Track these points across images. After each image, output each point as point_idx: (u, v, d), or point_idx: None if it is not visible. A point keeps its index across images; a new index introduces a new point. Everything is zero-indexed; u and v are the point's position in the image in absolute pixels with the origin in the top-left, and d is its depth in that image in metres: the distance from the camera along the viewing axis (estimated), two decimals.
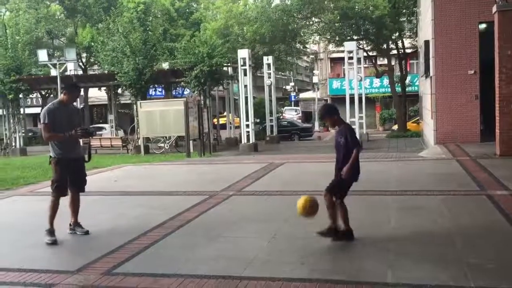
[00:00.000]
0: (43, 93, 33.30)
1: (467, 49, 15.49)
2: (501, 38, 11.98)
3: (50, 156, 6.32)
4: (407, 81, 31.56)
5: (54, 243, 5.99)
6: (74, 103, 6.81)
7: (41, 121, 6.19)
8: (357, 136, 5.81)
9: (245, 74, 21.23)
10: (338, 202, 5.48)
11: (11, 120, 25.81)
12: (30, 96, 32.67)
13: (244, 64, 21.06)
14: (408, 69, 34.23)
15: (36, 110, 38.66)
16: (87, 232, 6.33)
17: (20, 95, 26.26)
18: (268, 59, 25.50)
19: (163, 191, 9.84)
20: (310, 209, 5.39)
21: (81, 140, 6.65)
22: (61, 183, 6.21)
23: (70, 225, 6.42)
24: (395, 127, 31.78)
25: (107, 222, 7.19)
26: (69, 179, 6.26)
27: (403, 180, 9.83)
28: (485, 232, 5.81)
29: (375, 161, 13.14)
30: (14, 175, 13.62)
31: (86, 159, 6.59)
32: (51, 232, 6.09)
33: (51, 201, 6.22)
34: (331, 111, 5.66)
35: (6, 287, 4.69)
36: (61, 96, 6.38)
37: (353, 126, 21.16)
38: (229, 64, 24.85)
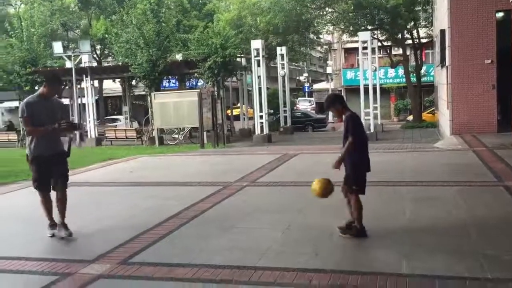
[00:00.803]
0: None
1: (484, 38, 15.23)
2: None
3: (27, 154, 5.95)
4: (422, 71, 31.19)
5: (53, 235, 5.96)
6: (61, 97, 6.60)
7: (20, 115, 5.88)
8: (364, 126, 5.67)
9: (258, 65, 21.16)
10: (353, 196, 5.33)
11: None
12: None
13: (258, 55, 20.98)
14: (423, 59, 33.81)
15: None
16: (70, 234, 5.91)
17: (36, 87, 26.50)
18: (281, 50, 25.37)
19: (178, 181, 9.90)
20: (326, 188, 5.32)
21: (67, 137, 6.24)
22: (40, 182, 5.92)
23: (50, 225, 6.06)
24: (410, 117, 31.48)
25: (122, 212, 7.27)
26: (51, 175, 5.94)
27: (418, 171, 9.76)
28: (501, 223, 5.75)
29: (390, 152, 13.05)
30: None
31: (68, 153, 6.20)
32: (51, 226, 6.04)
33: (40, 200, 6.03)
34: (334, 101, 5.53)
35: (25, 276, 4.77)
36: (41, 89, 5.99)
37: (367, 117, 20.69)
38: (242, 55, 24.78)
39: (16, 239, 6.18)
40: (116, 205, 7.83)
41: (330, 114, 40.48)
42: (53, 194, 6.06)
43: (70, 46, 31.48)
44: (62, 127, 5.83)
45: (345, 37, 33.45)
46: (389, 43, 31.62)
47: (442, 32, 17.00)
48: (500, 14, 15.13)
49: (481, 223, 5.76)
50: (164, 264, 4.82)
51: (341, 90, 43.02)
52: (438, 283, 4.04)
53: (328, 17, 29.20)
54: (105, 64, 34.25)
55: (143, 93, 27.13)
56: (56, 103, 6.15)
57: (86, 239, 5.98)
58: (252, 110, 24.11)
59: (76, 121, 23.65)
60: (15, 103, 27.76)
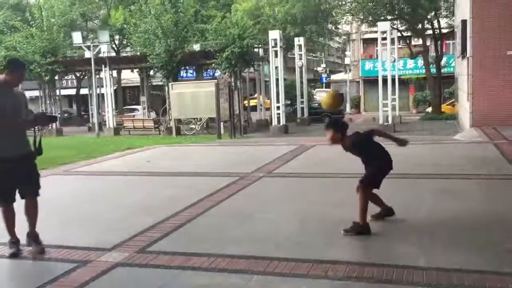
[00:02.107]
0: (78, 74, 33.95)
1: (507, 28, 14.91)
2: None
3: None
4: (442, 62, 30.70)
5: (12, 256, 4.95)
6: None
7: None
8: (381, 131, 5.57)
9: (276, 56, 21.07)
10: (362, 188, 5.20)
11: (48, 101, 26.47)
12: (65, 78, 33.39)
13: (275, 45, 20.89)
14: (443, 50, 33.26)
15: (71, 91, 39.54)
16: (42, 251, 4.98)
17: (56, 77, 26.85)
18: (299, 40, 25.19)
19: (195, 172, 9.95)
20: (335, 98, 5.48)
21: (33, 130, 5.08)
22: (1, 190, 4.85)
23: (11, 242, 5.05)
24: (429, 109, 31.07)
25: (140, 201, 7.34)
26: (16, 182, 4.88)
27: (438, 163, 9.64)
28: None
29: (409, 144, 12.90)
30: (51, 155, 13.94)
31: (37, 152, 5.05)
32: (10, 243, 5.02)
33: None
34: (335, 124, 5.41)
35: (45, 263, 4.86)
36: (2, 76, 4.88)
37: (385, 109, 20.48)
38: (260, 46, 24.71)
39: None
40: (134, 195, 7.90)
41: (348, 105, 40.25)
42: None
43: (89, 36, 31.71)
44: (42, 119, 5.09)
45: (364, 27, 33.02)
46: (409, 34, 31.16)
47: (464, 22, 16.69)
48: None
49: (502, 217, 5.68)
50: (181, 253, 4.86)
51: (359, 81, 42.65)
52: (455, 276, 4.00)
53: (347, 7, 28.88)
54: (124, 54, 34.46)
55: (161, 83, 27.30)
56: (20, 94, 5.17)
57: (104, 227, 6.05)
58: (269, 101, 24.06)
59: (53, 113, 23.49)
60: (35, 93, 28.11)
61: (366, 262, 4.45)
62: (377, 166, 5.29)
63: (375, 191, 5.39)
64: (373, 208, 5.46)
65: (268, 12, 28.33)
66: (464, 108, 18.01)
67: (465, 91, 17.06)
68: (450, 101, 30.82)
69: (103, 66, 24.40)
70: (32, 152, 5.00)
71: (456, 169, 8.78)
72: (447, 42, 35.34)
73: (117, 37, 34.13)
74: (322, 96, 5.56)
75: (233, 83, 20.98)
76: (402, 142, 5.35)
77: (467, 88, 16.22)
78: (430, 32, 29.24)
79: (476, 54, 15.36)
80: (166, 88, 23.43)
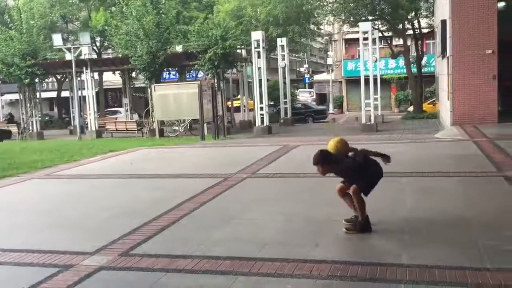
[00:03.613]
0: (59, 77, 33.54)
1: (485, 28, 15.16)
2: None
3: None
4: (423, 62, 31.06)
5: None
6: None
7: None
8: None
9: (258, 57, 21.10)
10: (357, 192, 5.22)
11: (28, 105, 26.09)
12: (46, 80, 32.96)
13: (258, 46, 20.92)
14: (424, 50, 33.67)
15: (52, 94, 39.05)
16: None
17: (36, 80, 26.46)
18: (281, 41, 25.27)
19: (178, 173, 9.91)
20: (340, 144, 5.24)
21: None
22: None
23: None
24: (411, 108, 31.40)
25: (123, 204, 7.28)
26: None
27: (419, 162, 9.75)
28: (502, 213, 5.75)
29: (390, 143, 13.04)
30: (32, 158, 13.80)
31: None
32: None
33: None
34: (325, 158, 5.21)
35: (26, 268, 4.79)
36: None
37: (367, 108, 20.61)
38: (242, 47, 24.69)
39: (17, 231, 6.19)
40: (116, 197, 7.84)
41: (330, 105, 40.50)
42: None
43: (69, 38, 31.38)
44: None
45: (345, 27, 33.25)
46: (390, 34, 31.45)
47: (443, 22, 16.93)
48: (501, 4, 15.07)
49: (481, 214, 5.77)
50: (165, 256, 4.83)
51: (341, 81, 42.93)
52: (438, 273, 4.05)
53: (329, 7, 29.00)
54: (105, 56, 34.16)
55: (143, 85, 27.10)
56: None
57: (87, 231, 5.99)
58: (252, 101, 24.08)
59: None
60: (15, 96, 27.70)
61: (350, 261, 4.48)
62: (367, 180, 5.28)
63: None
64: (348, 213, 5.48)
65: (250, 13, 28.31)
66: (445, 106, 18.25)
67: (446, 90, 17.30)
68: (431, 100, 31.19)
69: (84, 68, 24.15)
70: None
71: (437, 167, 8.89)
72: (427, 42, 35.80)
73: (98, 39, 33.80)
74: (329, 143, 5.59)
75: (216, 84, 20.93)
76: (387, 159, 5.35)
77: (447, 87, 16.45)
78: (410, 32, 29.56)
79: (456, 54, 15.59)
80: (149, 89, 23.29)
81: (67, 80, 26.55)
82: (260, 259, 4.58)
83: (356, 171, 5.21)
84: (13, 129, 26.67)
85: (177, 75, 31.15)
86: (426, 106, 30.08)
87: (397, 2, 25.39)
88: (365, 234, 5.21)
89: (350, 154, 5.31)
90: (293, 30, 28.29)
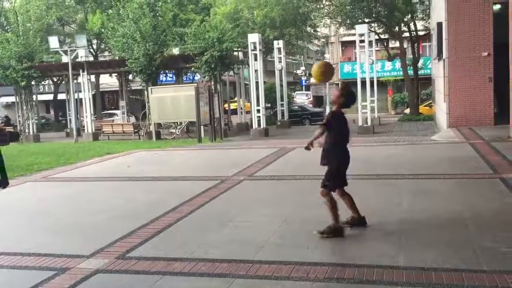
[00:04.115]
0: (55, 80, 33.49)
1: (481, 31, 15.22)
2: None
3: None
4: (419, 64, 31.15)
5: None
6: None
7: None
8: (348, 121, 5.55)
9: (255, 59, 21.13)
10: (326, 192, 5.26)
11: (24, 107, 26.05)
12: (42, 83, 32.88)
13: (255, 48, 20.95)
14: (420, 52, 33.75)
15: (49, 97, 38.98)
16: None
17: (33, 82, 26.44)
18: (278, 44, 25.31)
19: (175, 176, 9.90)
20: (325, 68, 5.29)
21: None
22: None
23: None
24: (407, 110, 31.47)
25: (120, 207, 7.27)
26: None
27: (415, 164, 9.77)
28: (498, 215, 5.77)
29: (387, 145, 13.06)
30: (28, 161, 13.78)
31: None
32: None
33: None
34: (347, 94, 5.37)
35: (22, 271, 4.77)
36: None
37: (364, 110, 20.66)
38: (239, 49, 24.71)
39: (13, 234, 6.17)
40: (114, 200, 7.82)
41: (327, 107, 40.50)
42: None
43: (66, 41, 31.35)
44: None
45: (342, 30, 33.28)
46: (386, 36, 31.55)
47: (439, 25, 16.99)
48: (497, 7, 15.10)
49: (478, 216, 5.78)
50: (161, 259, 4.82)
51: (338, 83, 42.97)
52: (434, 275, 4.06)
53: (325, 10, 29.09)
54: (102, 59, 34.12)
55: (140, 87, 27.08)
56: None
57: (83, 233, 5.98)
58: (249, 104, 24.09)
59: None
60: (11, 98, 27.65)
61: (346, 263, 4.48)
62: (333, 166, 5.29)
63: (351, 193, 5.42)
64: (345, 214, 5.49)
65: (247, 15, 28.35)
66: (441, 109, 18.31)
67: (442, 92, 17.35)
68: (428, 102, 31.26)
69: (81, 70, 24.12)
70: None
71: (433, 169, 8.91)
72: (423, 44, 35.91)
73: (95, 41, 33.80)
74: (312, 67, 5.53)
75: (213, 87, 20.94)
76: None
77: (444, 89, 16.49)
78: (407, 34, 29.63)
79: (452, 56, 15.64)
80: (146, 92, 23.27)
81: (63, 82, 26.53)
82: (257, 261, 4.58)
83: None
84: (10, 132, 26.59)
85: (174, 77, 31.14)
86: (422, 108, 30.16)
87: (393, 5, 25.47)
88: (362, 236, 5.21)
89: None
90: (290, 33, 28.35)
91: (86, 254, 5.03)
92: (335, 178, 5.27)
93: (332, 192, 5.28)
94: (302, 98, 43.82)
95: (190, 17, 27.69)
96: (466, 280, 3.94)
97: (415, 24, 28.90)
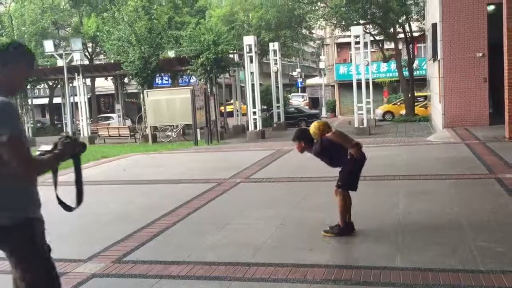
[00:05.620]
0: (50, 83, 33.41)
1: (475, 31, 15.29)
2: (510, 20, 11.81)
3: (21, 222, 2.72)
4: (414, 65, 31.24)
5: None
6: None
7: (8, 134, 2.51)
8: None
9: (251, 61, 21.14)
10: (340, 191, 5.23)
11: (19, 111, 25.95)
12: (38, 87, 32.83)
13: (250, 51, 20.96)
14: (415, 53, 33.86)
15: (44, 100, 38.86)
16: None
17: (28, 86, 26.37)
18: (274, 46, 25.34)
19: (171, 179, 9.88)
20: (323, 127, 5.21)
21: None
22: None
23: None
24: (403, 111, 31.52)
25: (116, 210, 7.25)
26: None
27: (411, 165, 9.80)
28: (494, 215, 5.78)
29: (383, 146, 13.09)
30: None
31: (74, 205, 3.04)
32: None
33: None
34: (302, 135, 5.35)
35: None
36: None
37: (360, 112, 20.67)
38: (235, 51, 24.73)
39: None
40: (110, 204, 7.80)
41: (323, 109, 40.60)
42: None
43: (61, 45, 31.27)
44: (69, 147, 2.87)
45: (337, 32, 33.43)
46: (381, 38, 31.64)
47: (434, 26, 17.05)
48: (491, 7, 15.18)
49: (474, 216, 5.79)
50: (158, 262, 4.81)
51: (334, 85, 43.05)
52: (431, 276, 4.06)
53: (320, 12, 29.15)
54: (97, 62, 34.07)
55: (136, 90, 27.09)
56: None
57: (79, 238, 5.96)
58: (245, 106, 24.10)
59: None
60: None
61: (344, 264, 4.49)
62: (347, 169, 5.29)
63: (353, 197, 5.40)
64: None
65: (242, 17, 28.40)
66: (436, 109, 18.37)
67: (437, 93, 17.41)
68: (423, 103, 31.34)
69: (76, 74, 24.07)
70: (30, 221, 2.71)
71: (429, 170, 8.93)
72: (418, 45, 36.04)
73: (90, 44, 33.74)
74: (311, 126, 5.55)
75: (208, 89, 20.94)
76: (356, 150, 5.16)
77: (439, 90, 16.55)
78: (402, 35, 29.73)
79: (447, 57, 15.70)
80: (141, 95, 23.24)
81: (59, 86, 26.47)
82: (254, 264, 4.57)
83: (320, 156, 5.27)
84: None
85: (169, 80, 31.15)
86: (418, 109, 30.22)
87: (387, 6, 25.56)
88: (358, 237, 5.21)
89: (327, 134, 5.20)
90: (285, 35, 28.43)
91: (83, 258, 5.01)
92: (348, 179, 5.25)
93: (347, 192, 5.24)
94: (298, 100, 43.88)
95: (185, 20, 27.70)
96: (463, 281, 3.95)
97: (410, 26, 29.00)
